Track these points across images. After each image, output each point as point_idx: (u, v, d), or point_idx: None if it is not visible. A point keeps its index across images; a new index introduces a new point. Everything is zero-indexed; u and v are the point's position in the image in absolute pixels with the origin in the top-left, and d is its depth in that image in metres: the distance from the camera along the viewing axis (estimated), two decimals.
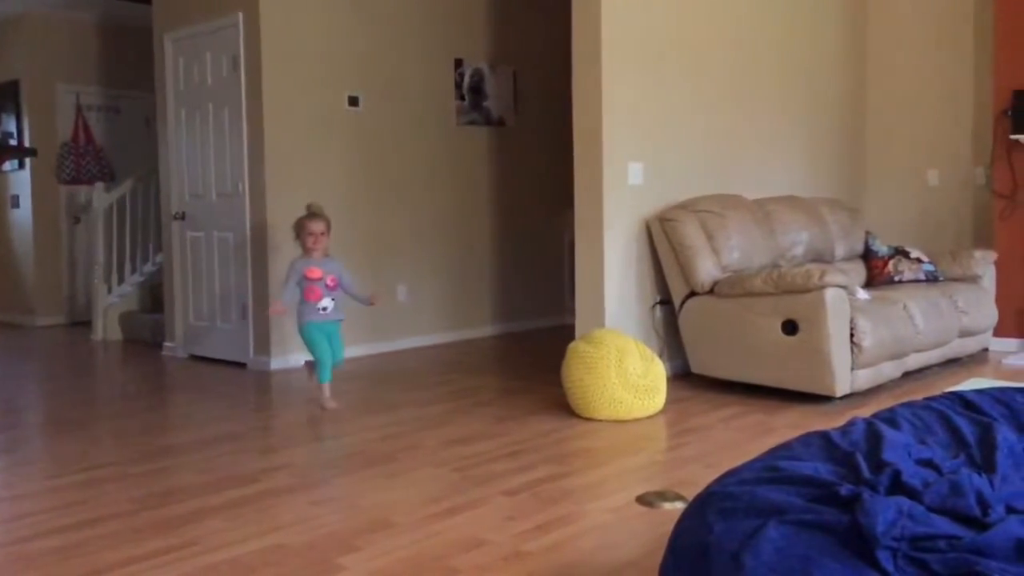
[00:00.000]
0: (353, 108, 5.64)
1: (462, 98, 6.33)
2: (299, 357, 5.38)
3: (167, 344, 6.04)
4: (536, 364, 5.26)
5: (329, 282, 4.19)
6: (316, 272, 4.17)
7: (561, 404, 4.12)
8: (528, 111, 6.81)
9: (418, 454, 3.40)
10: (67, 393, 4.83)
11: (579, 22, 4.45)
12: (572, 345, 4.01)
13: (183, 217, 5.85)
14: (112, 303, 6.88)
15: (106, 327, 6.83)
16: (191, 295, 5.84)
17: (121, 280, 6.96)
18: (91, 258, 7.10)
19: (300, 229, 4.23)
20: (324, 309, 4.17)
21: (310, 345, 4.20)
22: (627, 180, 4.53)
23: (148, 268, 7.03)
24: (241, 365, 5.45)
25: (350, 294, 4.33)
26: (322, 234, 4.19)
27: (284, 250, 5.31)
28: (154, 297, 6.89)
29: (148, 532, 2.61)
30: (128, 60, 8.04)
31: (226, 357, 5.58)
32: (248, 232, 5.37)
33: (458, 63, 6.29)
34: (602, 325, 4.41)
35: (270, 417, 4.16)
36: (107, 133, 8.08)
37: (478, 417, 3.97)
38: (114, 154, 8.06)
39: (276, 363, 5.29)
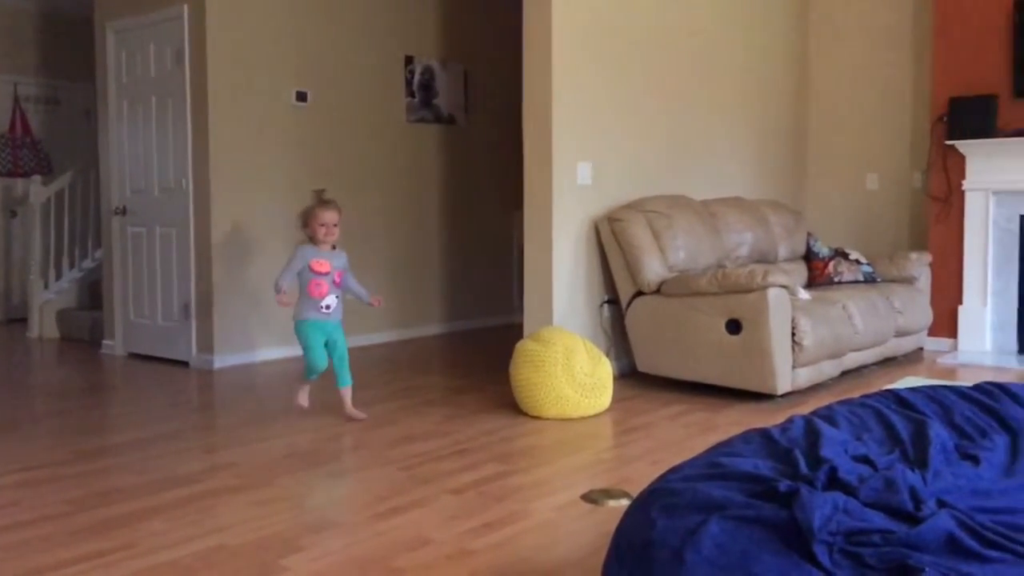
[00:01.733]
0: (301, 103, 5.57)
1: (412, 95, 6.30)
2: (245, 355, 5.32)
3: (106, 342, 5.90)
4: (484, 363, 5.26)
5: (336, 277, 3.86)
6: (324, 265, 3.82)
7: (509, 403, 4.13)
8: (479, 110, 6.81)
9: (363, 453, 3.37)
10: (0, 392, 4.68)
11: (530, 22, 4.46)
12: (520, 344, 4.02)
13: (124, 212, 5.71)
14: (49, 300, 6.69)
15: (42, 324, 6.65)
16: (131, 292, 5.71)
17: (59, 276, 6.78)
18: (27, 253, 6.90)
19: (310, 218, 3.82)
20: (327, 307, 3.83)
21: (305, 344, 3.85)
22: (576, 180, 4.56)
23: (87, 264, 6.86)
24: (183, 364, 5.35)
25: (352, 291, 4.02)
26: (335, 225, 3.82)
27: (228, 250, 5.24)
28: (93, 294, 6.72)
29: (84, 534, 2.54)
30: (68, 50, 7.83)
31: (168, 355, 5.47)
32: (192, 228, 5.27)
33: (408, 60, 6.25)
34: (550, 324, 4.43)
35: (213, 416, 4.08)
36: (45, 125, 7.86)
37: (425, 416, 3.96)
38: (52, 146, 7.85)
39: (220, 361, 5.20)
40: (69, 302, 6.79)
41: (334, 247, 3.90)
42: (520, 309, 5.11)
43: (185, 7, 5.17)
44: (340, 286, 3.91)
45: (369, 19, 5.97)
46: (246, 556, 2.37)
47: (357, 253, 5.95)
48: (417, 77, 6.32)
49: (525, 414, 3.93)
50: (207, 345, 5.24)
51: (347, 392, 3.90)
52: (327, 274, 3.82)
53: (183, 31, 5.20)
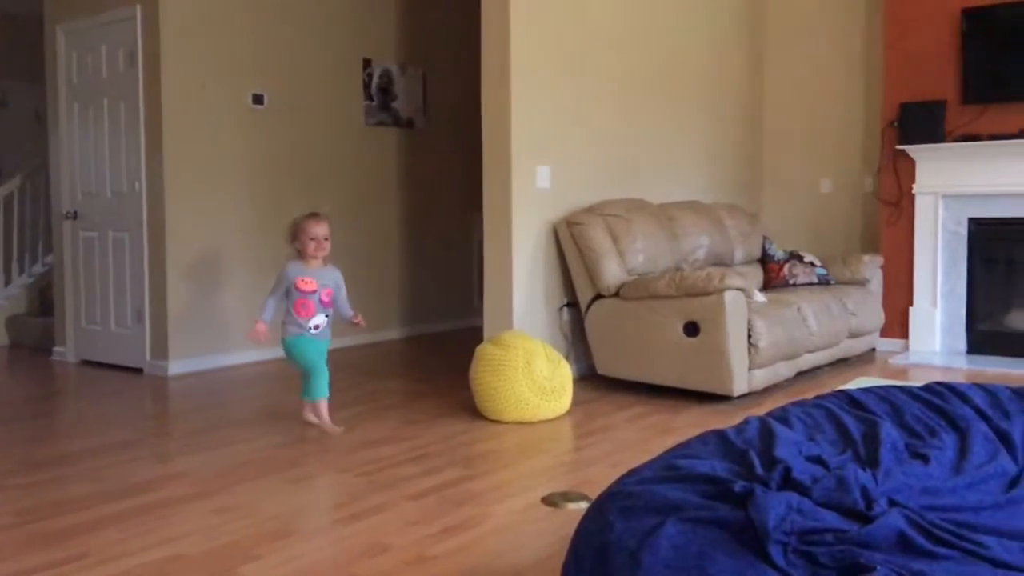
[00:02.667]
0: (257, 106, 5.51)
1: (371, 98, 6.27)
2: (200, 362, 5.24)
3: (57, 349, 5.78)
4: (444, 367, 5.25)
5: (324, 296, 3.63)
6: (310, 284, 3.60)
7: (468, 407, 4.12)
8: (437, 113, 6.79)
9: (322, 459, 3.34)
10: None
11: (488, 26, 4.46)
12: (480, 348, 4.02)
13: (75, 216, 5.60)
14: None
15: None
16: (83, 297, 5.60)
17: (8, 282, 6.62)
18: None
19: (298, 231, 3.62)
20: (315, 327, 3.61)
21: (300, 358, 3.62)
22: (535, 184, 4.57)
23: (37, 269, 6.72)
24: (137, 371, 5.26)
25: (339, 310, 3.78)
26: (326, 239, 3.61)
27: (183, 254, 5.16)
28: (43, 300, 6.58)
29: (34, 545, 2.49)
30: (17, 50, 7.65)
31: (121, 362, 5.37)
32: (145, 232, 5.18)
33: (367, 63, 6.22)
34: (510, 327, 4.44)
35: (167, 424, 4.02)
36: None
37: (384, 421, 3.94)
38: (1, 149, 7.66)
39: (175, 368, 5.12)
40: (19, 308, 6.64)
41: (325, 263, 3.68)
42: (480, 312, 5.11)
43: (138, 7, 5.09)
44: (329, 305, 3.65)
45: (326, 22, 5.93)
46: (202, 565, 2.34)
47: None
48: (375, 80, 6.30)
49: (485, 418, 3.93)
50: (161, 351, 5.15)
51: (323, 404, 3.70)
52: (314, 292, 3.60)
53: (136, 32, 5.11)
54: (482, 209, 4.59)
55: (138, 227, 5.21)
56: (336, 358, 5.66)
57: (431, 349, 6.02)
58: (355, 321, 3.80)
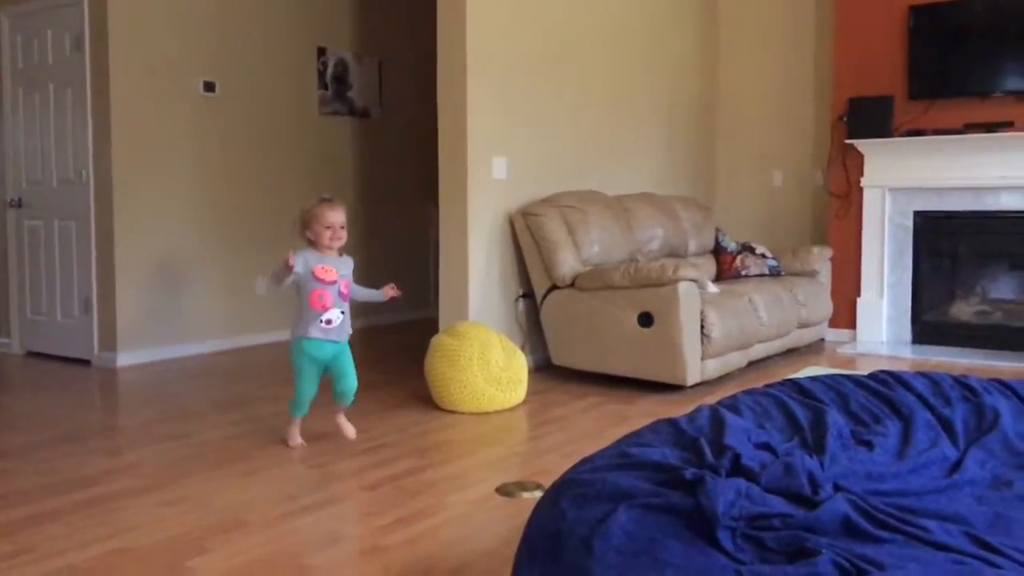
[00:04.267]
0: (209, 93, 5.42)
1: (325, 87, 6.20)
2: (150, 353, 5.15)
3: (1, 340, 5.63)
4: (400, 357, 5.23)
5: (343, 288, 3.29)
6: (330, 272, 3.24)
7: (424, 397, 4.11)
8: (393, 103, 6.75)
9: (275, 451, 3.31)
10: None
11: (444, 16, 4.44)
12: (435, 338, 4.01)
13: (20, 204, 5.46)
14: None
15: None
16: (28, 288, 5.47)
17: None
18: None
19: (311, 219, 3.26)
20: (328, 322, 3.25)
21: (295, 369, 3.32)
22: (491, 174, 4.56)
23: None
24: (85, 362, 5.15)
25: (363, 297, 3.50)
26: (342, 227, 3.28)
27: (132, 243, 5.06)
28: None
29: None
30: None
31: (68, 354, 5.25)
32: (93, 221, 5.07)
33: (321, 51, 6.15)
34: (465, 318, 4.43)
35: (116, 416, 3.95)
36: None
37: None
38: None
39: (124, 359, 5.02)
40: None
41: (340, 253, 3.35)
42: (436, 303, 5.09)
43: None
44: (347, 299, 3.32)
45: (280, 9, 5.85)
46: (150, 558, 2.30)
47: (268, 246, 5.84)
48: (330, 69, 6.23)
49: (440, 408, 3.93)
50: (110, 342, 5.05)
51: (298, 422, 3.38)
52: (333, 283, 3.25)
53: (83, 16, 4.99)
54: (438, 200, 4.57)
55: (85, 216, 5.10)
56: (288, 350, 5.59)
57: (386, 340, 5.99)
58: (392, 294, 3.47)
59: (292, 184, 5.99)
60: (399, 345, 5.71)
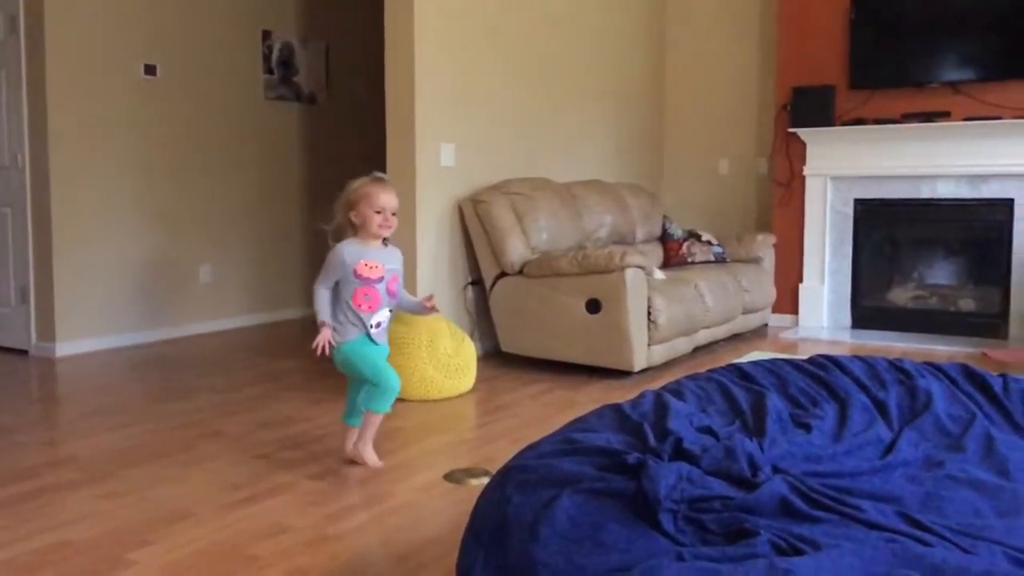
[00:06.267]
0: (150, 76, 5.29)
1: (271, 72, 6.10)
2: (89, 343, 5.03)
3: None
4: None
5: (391, 285, 2.83)
6: (376, 268, 2.78)
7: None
8: (340, 88, 6.67)
9: (218, 441, 3.27)
10: None
11: (391, 1, 4.40)
12: None
13: None
14: None
15: None
16: None
17: None
18: None
19: (360, 200, 2.80)
20: (377, 325, 2.82)
21: (363, 363, 2.80)
22: (439, 161, 4.54)
23: None
24: (22, 352, 5.01)
25: (404, 303, 3.00)
26: (394, 214, 2.81)
27: (70, 231, 4.93)
28: None
29: None
30: None
31: (4, 344, 5.11)
32: (29, 208, 4.93)
33: (266, 35, 6.05)
34: None
35: (54, 408, 3.85)
36: None
37: (285, 401, 3.87)
38: None
39: (62, 349, 4.90)
40: None
41: (386, 243, 2.89)
42: None
43: None
44: (395, 296, 2.88)
45: None
46: (90, 551, 2.26)
47: (212, 234, 5.74)
48: (275, 53, 6.13)
49: None
50: (48, 332, 4.92)
51: (377, 420, 2.92)
52: (380, 281, 2.79)
53: None
54: None
55: (21, 202, 4.95)
56: (233, 338, 5.54)
57: None
58: (428, 305, 2.96)
59: (236, 170, 5.89)
60: None
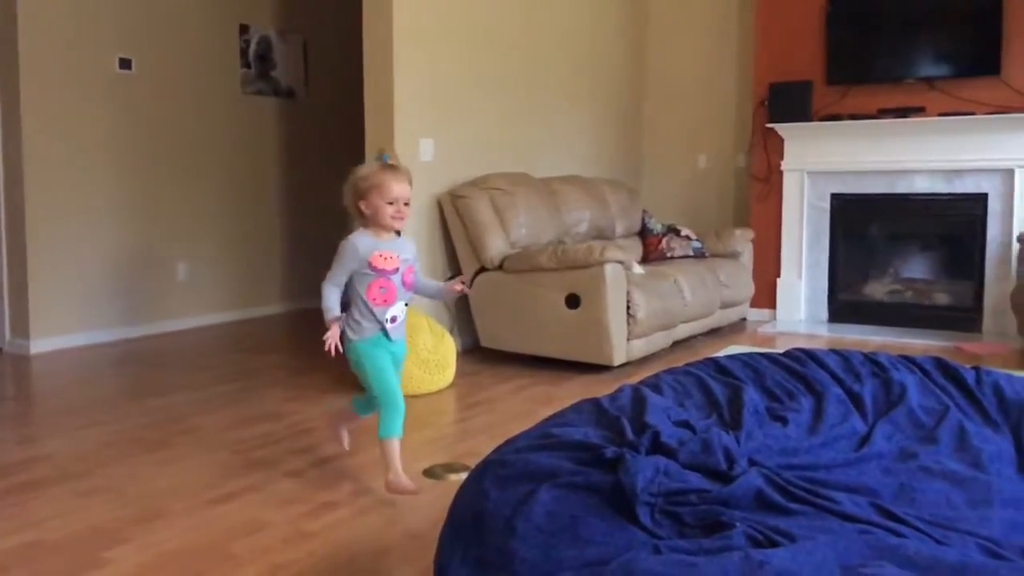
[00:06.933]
0: (125, 71, 5.24)
1: (248, 66, 6.05)
2: (65, 339, 4.98)
3: None
4: None
5: (407, 276, 2.68)
6: (391, 259, 2.63)
7: (351, 381, 4.07)
8: (319, 83, 6.63)
9: (195, 439, 3.24)
10: None
11: None
12: None
13: None
14: None
15: None
16: None
17: None
18: None
19: (371, 190, 2.62)
20: (392, 320, 2.67)
21: (371, 371, 2.65)
22: (419, 156, 4.53)
23: None
24: None
25: (426, 291, 2.87)
26: (406, 204, 2.65)
27: (45, 227, 4.87)
28: None
29: None
30: None
31: None
32: (3, 203, 4.86)
33: (243, 29, 6.00)
34: None
35: (29, 405, 3.81)
36: None
37: (264, 398, 3.85)
38: None
39: (37, 346, 4.85)
40: None
41: (398, 233, 2.74)
42: None
43: None
44: (411, 289, 2.72)
45: None
46: (65, 550, 2.24)
47: (189, 230, 5.70)
48: (253, 47, 6.08)
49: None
50: (22, 329, 4.87)
51: (394, 446, 2.63)
52: (395, 272, 2.64)
53: None
54: None
55: None
56: (210, 335, 5.50)
57: (313, 324, 5.90)
58: (457, 288, 2.84)
59: (213, 166, 5.84)
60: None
